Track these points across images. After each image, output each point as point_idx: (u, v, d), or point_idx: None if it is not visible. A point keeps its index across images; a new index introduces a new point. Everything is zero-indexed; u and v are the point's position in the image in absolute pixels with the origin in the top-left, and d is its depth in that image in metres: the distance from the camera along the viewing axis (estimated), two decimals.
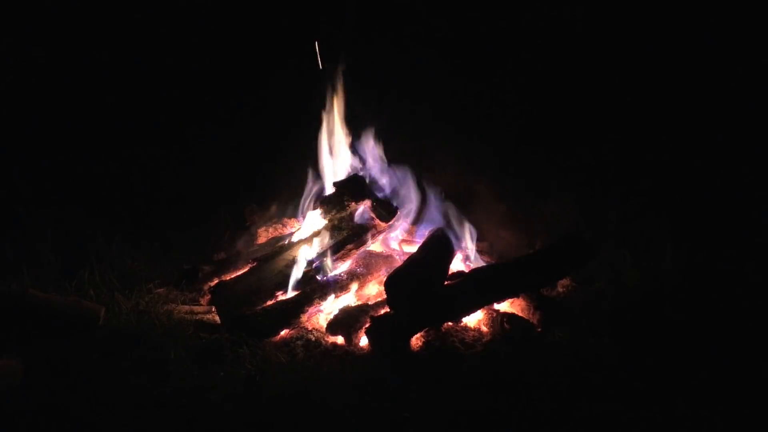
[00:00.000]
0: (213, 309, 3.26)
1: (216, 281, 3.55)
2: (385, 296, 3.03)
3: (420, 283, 3.00)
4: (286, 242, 3.69)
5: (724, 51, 4.81)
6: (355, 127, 3.99)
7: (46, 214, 4.02)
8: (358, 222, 3.55)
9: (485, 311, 3.15)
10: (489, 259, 3.83)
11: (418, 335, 2.96)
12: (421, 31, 5.01)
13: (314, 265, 3.37)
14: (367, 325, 2.93)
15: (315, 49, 3.97)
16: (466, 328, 3.09)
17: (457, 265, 3.62)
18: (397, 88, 4.52)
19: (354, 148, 3.95)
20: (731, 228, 3.92)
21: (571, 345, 2.84)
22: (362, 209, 3.62)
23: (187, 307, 3.33)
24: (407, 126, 4.11)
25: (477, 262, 3.68)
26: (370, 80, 4.12)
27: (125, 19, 5.03)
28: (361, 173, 3.85)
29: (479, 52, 5.09)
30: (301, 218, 4.02)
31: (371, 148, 3.96)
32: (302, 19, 4.99)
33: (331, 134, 3.92)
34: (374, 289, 3.47)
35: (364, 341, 2.96)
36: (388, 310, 3.06)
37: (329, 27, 4.59)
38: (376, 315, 3.03)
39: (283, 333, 3.02)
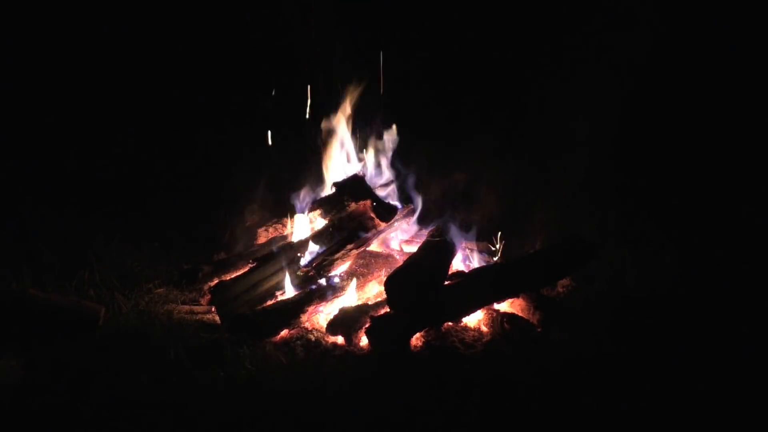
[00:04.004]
0: (213, 309, 3.26)
1: (216, 281, 3.55)
2: (385, 296, 3.03)
3: (420, 283, 3.00)
4: (286, 242, 3.69)
5: (723, 51, 4.82)
6: (357, 128, 3.99)
7: (46, 214, 4.02)
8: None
9: (485, 311, 3.15)
10: (489, 259, 3.83)
11: (418, 335, 2.96)
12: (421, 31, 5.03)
13: (314, 265, 3.37)
14: (367, 325, 2.93)
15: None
16: (466, 328, 3.08)
17: (457, 265, 3.62)
18: (396, 87, 4.52)
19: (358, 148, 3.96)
20: (731, 227, 3.93)
21: (571, 345, 2.84)
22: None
23: (187, 307, 3.32)
24: (407, 127, 4.10)
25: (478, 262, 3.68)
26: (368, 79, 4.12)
27: (131, 18, 5.04)
28: (361, 172, 3.85)
29: (476, 51, 5.10)
30: (301, 218, 4.01)
31: (375, 146, 3.96)
32: (306, 20, 4.99)
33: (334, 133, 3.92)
34: (374, 289, 3.47)
35: (364, 341, 2.95)
36: (388, 310, 3.06)
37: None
38: (376, 315, 3.03)
39: (283, 333, 3.02)
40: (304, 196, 3.87)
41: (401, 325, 2.90)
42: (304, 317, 3.11)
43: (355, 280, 3.38)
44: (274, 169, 4.55)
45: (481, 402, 2.38)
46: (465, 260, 3.71)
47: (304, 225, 3.78)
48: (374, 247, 3.73)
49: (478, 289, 3.13)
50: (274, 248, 3.51)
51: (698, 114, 4.79)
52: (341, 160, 3.94)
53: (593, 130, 4.88)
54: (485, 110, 4.94)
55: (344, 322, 3.01)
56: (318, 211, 3.69)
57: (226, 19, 5.18)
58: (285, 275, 3.31)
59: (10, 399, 2.34)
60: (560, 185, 4.52)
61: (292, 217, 3.84)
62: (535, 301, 3.14)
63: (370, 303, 3.26)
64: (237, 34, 5.13)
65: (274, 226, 4.18)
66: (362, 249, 3.56)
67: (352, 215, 3.59)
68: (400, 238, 3.89)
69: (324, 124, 3.92)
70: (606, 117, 4.92)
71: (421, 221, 3.89)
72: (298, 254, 3.46)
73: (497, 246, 3.82)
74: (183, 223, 4.25)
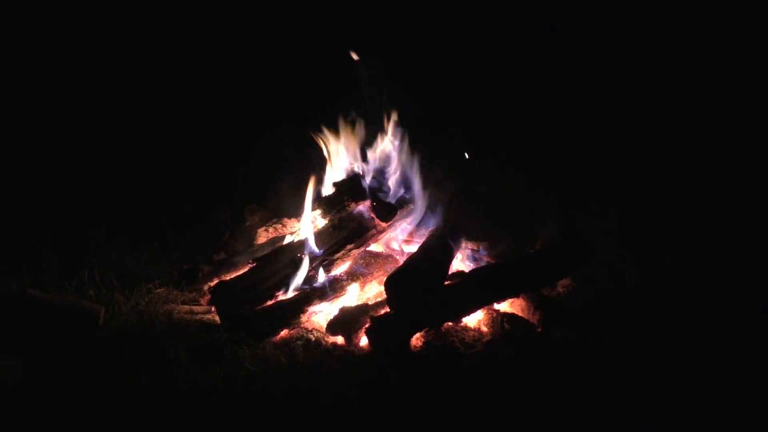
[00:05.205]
0: (213, 309, 3.26)
1: (216, 281, 3.55)
2: (385, 296, 3.03)
3: (420, 283, 3.00)
4: (286, 242, 3.69)
5: (724, 50, 4.82)
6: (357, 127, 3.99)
7: (46, 214, 4.02)
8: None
9: (485, 311, 3.15)
10: (489, 259, 3.83)
11: (418, 335, 2.96)
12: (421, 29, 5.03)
13: (314, 265, 3.37)
14: (367, 325, 2.93)
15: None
16: (466, 328, 3.08)
17: (457, 265, 3.62)
18: (395, 87, 4.53)
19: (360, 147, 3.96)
20: (731, 227, 3.93)
21: (571, 345, 2.84)
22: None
23: (187, 307, 3.33)
24: (406, 128, 4.11)
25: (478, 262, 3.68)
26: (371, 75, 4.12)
27: (130, 19, 5.04)
28: (361, 171, 3.85)
29: (478, 48, 5.10)
30: (301, 218, 4.01)
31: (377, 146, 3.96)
32: (300, 22, 5.00)
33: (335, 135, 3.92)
34: (374, 289, 3.47)
35: (364, 341, 2.95)
36: (388, 310, 3.06)
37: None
38: (376, 315, 3.03)
39: (283, 333, 3.02)
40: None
41: (401, 325, 2.90)
42: (304, 317, 3.11)
43: (355, 280, 3.38)
44: (275, 169, 4.56)
45: (482, 402, 2.38)
46: (465, 260, 3.71)
47: (308, 224, 3.78)
48: (374, 247, 3.73)
49: (478, 289, 3.13)
50: (275, 248, 3.51)
51: (698, 113, 4.79)
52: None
53: (594, 129, 4.89)
54: (485, 111, 4.94)
55: (344, 322, 3.01)
56: (318, 211, 3.69)
57: (226, 20, 5.18)
58: (285, 275, 3.30)
59: (10, 399, 2.34)
60: (561, 185, 4.53)
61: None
62: (535, 301, 3.14)
63: (370, 303, 3.26)
64: (236, 35, 5.14)
65: (274, 226, 4.18)
66: (362, 249, 3.56)
67: (352, 215, 3.59)
68: (400, 238, 3.89)
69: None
70: (605, 116, 4.93)
71: (422, 221, 3.88)
72: (299, 254, 3.45)
73: (497, 246, 3.83)
74: (182, 223, 4.25)
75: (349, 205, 3.60)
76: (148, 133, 4.95)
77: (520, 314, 3.15)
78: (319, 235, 3.55)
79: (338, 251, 3.42)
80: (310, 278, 3.33)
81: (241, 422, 2.27)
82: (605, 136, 4.83)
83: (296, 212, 4.11)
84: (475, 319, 3.16)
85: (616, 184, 4.49)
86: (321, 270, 3.36)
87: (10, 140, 4.58)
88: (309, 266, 3.35)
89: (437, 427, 2.27)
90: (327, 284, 3.29)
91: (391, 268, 3.36)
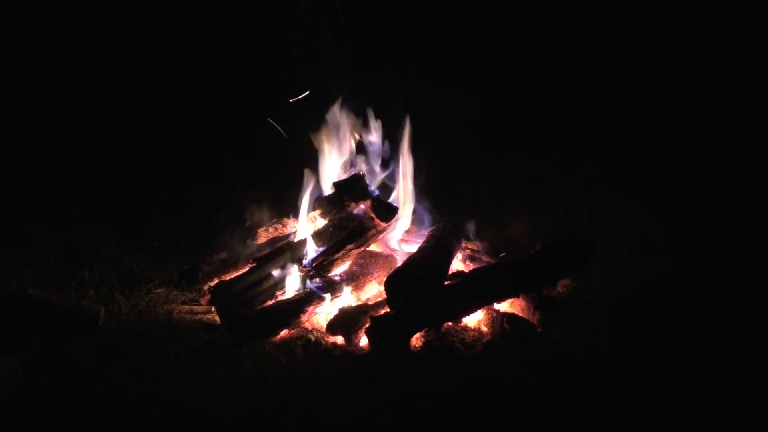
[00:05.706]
0: (213, 309, 3.26)
1: (216, 281, 3.55)
2: (385, 296, 3.03)
3: (420, 283, 3.00)
4: (286, 242, 3.69)
5: (725, 50, 4.82)
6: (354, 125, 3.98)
7: (46, 214, 4.02)
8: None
9: (485, 311, 3.15)
10: (489, 259, 3.83)
11: (418, 335, 2.96)
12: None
13: (314, 265, 3.37)
14: (367, 325, 2.93)
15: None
16: (466, 328, 3.08)
17: (457, 265, 3.62)
18: (393, 86, 4.53)
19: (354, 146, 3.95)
20: (731, 227, 3.93)
21: (571, 345, 2.84)
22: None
23: (187, 307, 3.33)
24: (406, 126, 4.10)
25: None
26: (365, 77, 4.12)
27: (132, 20, 5.05)
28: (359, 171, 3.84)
29: (477, 47, 5.10)
30: (301, 218, 4.01)
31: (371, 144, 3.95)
32: (299, 19, 5.00)
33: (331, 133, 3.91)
34: (374, 289, 3.47)
35: (364, 341, 2.95)
36: (388, 310, 3.06)
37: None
38: (376, 315, 3.03)
39: (283, 333, 3.02)
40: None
41: (401, 325, 2.90)
42: (304, 317, 3.11)
43: (355, 280, 3.38)
44: (274, 169, 4.56)
45: (481, 402, 2.38)
46: (465, 260, 3.71)
47: (306, 225, 3.77)
48: (374, 247, 3.73)
49: (478, 289, 3.13)
50: (275, 248, 3.51)
51: (698, 113, 4.79)
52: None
53: (594, 129, 4.90)
54: (486, 110, 4.95)
55: (344, 322, 3.01)
56: (318, 211, 3.69)
57: (226, 19, 5.18)
58: (285, 275, 3.31)
59: (10, 399, 2.34)
60: (561, 185, 4.53)
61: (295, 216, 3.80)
62: (535, 301, 3.13)
63: (370, 303, 3.26)
64: (235, 33, 5.14)
65: (274, 226, 4.17)
66: (362, 249, 3.55)
67: (352, 215, 3.59)
68: (400, 238, 3.89)
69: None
70: (604, 116, 4.93)
71: (422, 221, 3.88)
72: (298, 254, 3.45)
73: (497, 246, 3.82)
74: (183, 224, 4.25)
75: (349, 205, 3.60)
76: (148, 133, 4.94)
77: (520, 314, 3.15)
78: (319, 235, 3.56)
79: (338, 251, 3.42)
80: (310, 278, 3.33)
81: (241, 422, 2.27)
82: (605, 136, 4.83)
83: (296, 212, 4.11)
84: (475, 319, 3.16)
85: (616, 184, 4.49)
86: (320, 270, 3.36)
87: (11, 140, 4.58)
88: (309, 267, 3.35)
89: (437, 427, 2.27)
90: (327, 284, 3.29)
91: (391, 268, 3.36)
